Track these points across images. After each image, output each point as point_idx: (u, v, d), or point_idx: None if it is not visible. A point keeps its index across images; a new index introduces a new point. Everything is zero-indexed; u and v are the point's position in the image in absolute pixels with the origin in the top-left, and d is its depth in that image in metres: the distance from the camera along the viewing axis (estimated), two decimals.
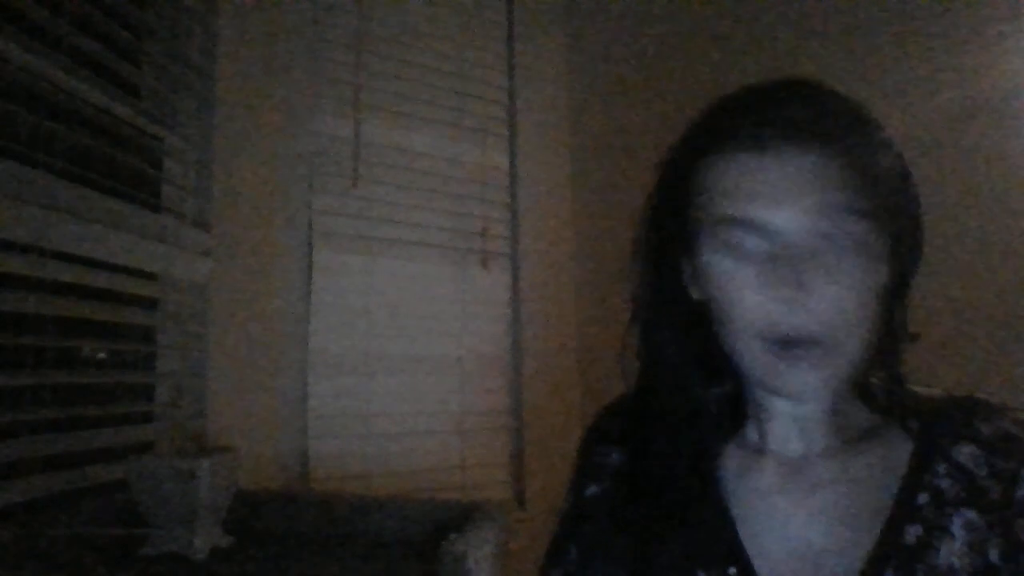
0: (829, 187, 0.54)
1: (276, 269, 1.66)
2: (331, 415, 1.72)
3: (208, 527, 1.06)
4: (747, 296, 0.56)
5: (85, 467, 1.17)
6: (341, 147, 1.81)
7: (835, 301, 0.54)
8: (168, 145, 1.44)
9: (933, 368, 0.64)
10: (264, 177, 1.64)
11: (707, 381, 0.66)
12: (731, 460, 0.64)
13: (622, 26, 2.28)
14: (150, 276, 1.37)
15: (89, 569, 0.99)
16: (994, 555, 0.52)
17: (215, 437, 1.42)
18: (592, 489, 0.69)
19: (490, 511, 1.15)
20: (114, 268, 1.24)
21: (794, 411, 0.61)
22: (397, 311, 1.86)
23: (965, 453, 0.56)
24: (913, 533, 0.54)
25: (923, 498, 0.55)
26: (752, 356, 0.57)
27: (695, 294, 0.63)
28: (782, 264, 0.54)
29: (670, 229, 0.63)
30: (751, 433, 0.65)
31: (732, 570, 0.58)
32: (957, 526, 0.53)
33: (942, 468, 0.56)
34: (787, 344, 0.55)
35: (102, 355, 1.36)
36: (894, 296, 0.61)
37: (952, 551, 0.53)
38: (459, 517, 1.13)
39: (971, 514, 0.53)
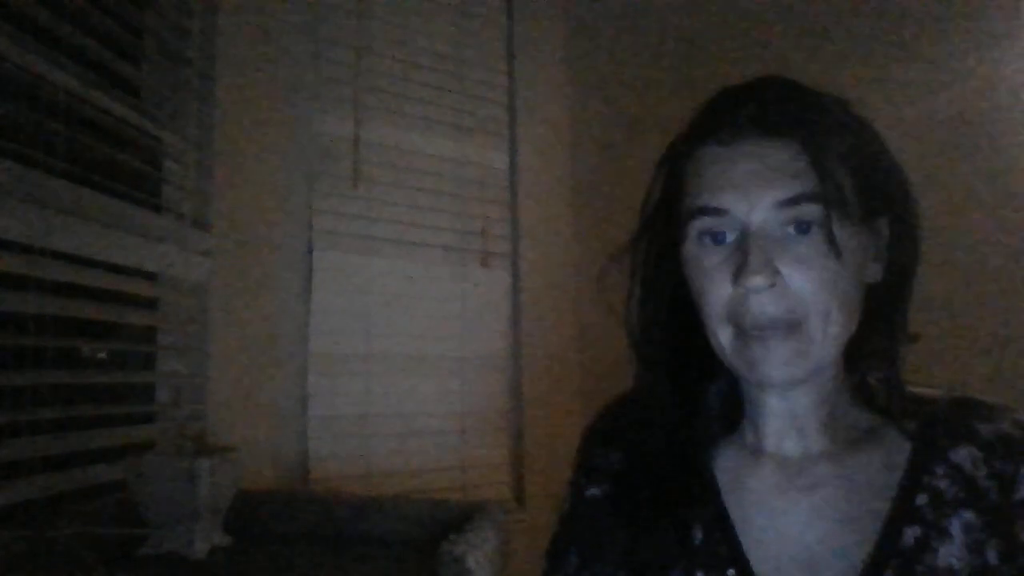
0: (791, 175, 0.55)
1: (276, 269, 1.66)
2: (331, 415, 1.72)
3: (208, 527, 1.06)
4: (716, 284, 0.57)
5: (85, 467, 1.17)
6: (341, 147, 1.81)
7: (803, 287, 0.55)
8: (168, 145, 1.44)
9: (932, 368, 0.64)
10: (264, 177, 1.64)
11: (703, 380, 0.66)
12: (729, 460, 0.64)
13: (622, 26, 2.28)
14: (150, 276, 1.37)
15: (89, 569, 0.99)
16: (992, 556, 0.52)
17: (215, 437, 1.42)
18: (591, 491, 0.69)
19: (490, 511, 1.15)
20: (114, 268, 1.24)
21: (787, 408, 0.61)
22: (397, 311, 1.86)
23: (963, 454, 0.56)
24: (912, 534, 0.54)
25: (922, 499, 0.55)
26: (723, 344, 0.58)
27: (689, 290, 0.63)
28: (749, 251, 0.55)
29: (663, 227, 0.64)
30: (748, 433, 0.65)
31: (731, 572, 0.58)
32: (956, 527, 0.53)
33: (941, 469, 0.56)
34: (754, 330, 0.56)
35: (102, 355, 1.36)
36: (893, 296, 0.61)
37: (951, 552, 0.53)
38: (459, 517, 1.13)
39: (969, 515, 0.53)
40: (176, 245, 1.38)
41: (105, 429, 1.22)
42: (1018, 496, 0.53)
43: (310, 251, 1.73)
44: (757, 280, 0.54)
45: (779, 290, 0.55)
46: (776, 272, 0.55)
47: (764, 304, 0.55)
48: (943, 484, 0.55)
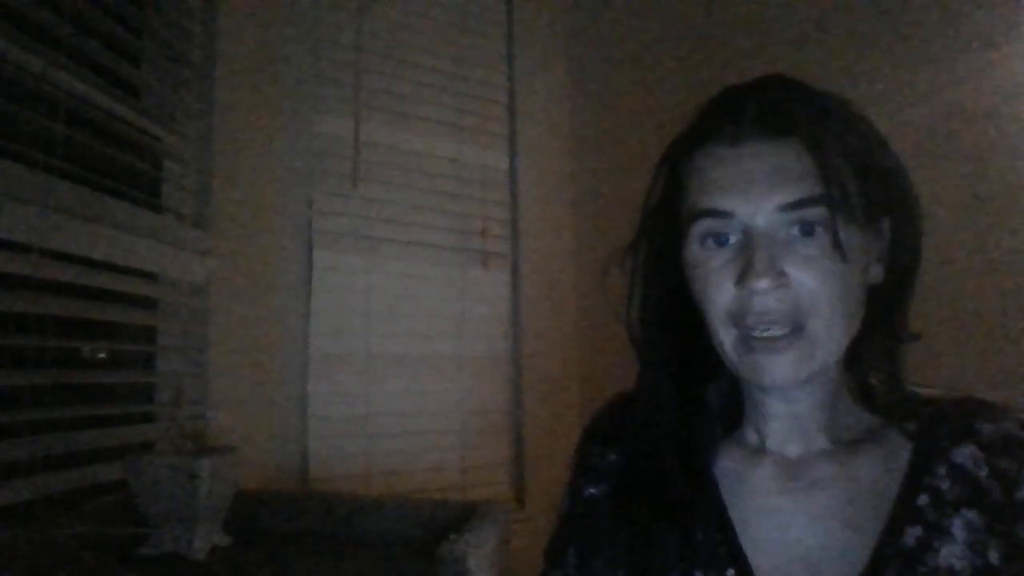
0: (795, 177, 0.55)
1: (276, 269, 1.66)
2: (331, 415, 1.72)
3: (208, 527, 1.06)
4: (719, 285, 0.57)
5: (85, 467, 1.17)
6: (341, 147, 1.81)
7: (807, 289, 0.55)
8: (168, 145, 1.44)
9: (932, 368, 0.64)
10: (264, 177, 1.64)
11: (703, 380, 0.66)
12: (730, 460, 0.64)
13: (622, 26, 2.28)
14: (150, 276, 1.37)
15: (89, 569, 0.99)
16: (994, 556, 0.52)
17: (215, 437, 1.42)
18: (589, 490, 0.69)
19: (490, 511, 1.15)
20: (114, 268, 1.24)
21: (788, 409, 0.61)
22: (397, 311, 1.86)
23: (965, 454, 0.56)
24: (913, 534, 0.54)
25: (923, 499, 0.55)
26: (727, 346, 0.58)
27: (690, 291, 0.63)
28: (753, 254, 0.55)
29: (663, 228, 0.64)
30: (749, 433, 0.65)
31: (730, 572, 0.58)
32: (957, 527, 0.53)
33: (942, 469, 0.56)
34: (758, 332, 0.56)
35: (102, 355, 1.36)
36: (894, 297, 0.61)
37: (952, 552, 0.52)
38: (459, 517, 1.13)
39: (971, 515, 0.53)
40: (176, 245, 1.38)
41: (105, 429, 1.22)
42: (1020, 496, 0.53)
43: (310, 251, 1.73)
44: (762, 283, 0.54)
45: (783, 291, 0.55)
46: (781, 274, 0.54)
47: (768, 304, 0.55)
48: (944, 484, 0.55)
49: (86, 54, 1.19)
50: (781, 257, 0.55)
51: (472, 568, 0.95)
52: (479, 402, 1.98)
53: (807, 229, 0.55)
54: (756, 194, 0.55)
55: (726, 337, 0.58)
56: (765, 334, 0.56)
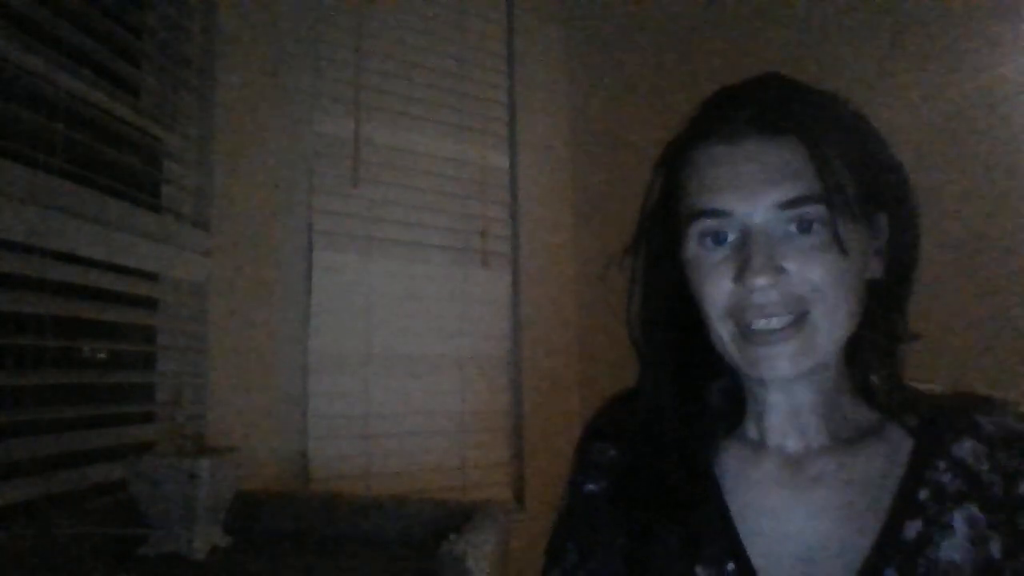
0: (792, 175, 0.55)
1: (276, 269, 1.66)
2: (331, 415, 1.72)
3: (208, 527, 1.06)
4: (718, 282, 0.58)
5: (85, 467, 1.17)
6: (341, 147, 1.81)
7: (807, 281, 0.55)
8: (168, 145, 1.44)
9: (932, 368, 0.64)
10: (264, 177, 1.64)
11: (705, 378, 0.66)
12: (731, 456, 0.64)
13: (622, 26, 2.28)
14: (150, 276, 1.37)
15: (89, 569, 0.99)
16: (995, 550, 0.52)
17: (215, 437, 1.42)
18: (590, 487, 0.69)
19: (490, 511, 1.15)
20: (114, 268, 1.24)
21: (789, 403, 0.61)
22: (397, 311, 1.86)
23: (966, 448, 0.56)
24: (914, 528, 0.54)
25: (924, 493, 0.55)
26: (726, 342, 0.59)
27: (690, 290, 0.64)
28: (751, 251, 0.55)
29: (662, 227, 0.64)
30: (750, 429, 0.65)
31: (730, 566, 0.58)
32: (958, 521, 0.53)
33: (943, 463, 0.56)
34: (757, 327, 0.56)
35: (102, 355, 1.36)
36: (893, 293, 0.61)
37: (953, 546, 0.53)
38: (459, 517, 1.13)
39: (972, 509, 0.53)
40: (176, 245, 1.38)
41: (105, 429, 1.22)
42: (1021, 490, 0.53)
43: (310, 251, 1.73)
44: (760, 280, 0.54)
45: (783, 286, 0.55)
46: (779, 271, 0.55)
47: (768, 296, 0.55)
48: (945, 478, 0.55)
49: (86, 54, 1.19)
50: (779, 253, 0.55)
51: (472, 568, 0.95)
52: (479, 402, 1.98)
53: (804, 226, 0.55)
54: (753, 192, 0.55)
55: (725, 332, 0.58)
56: (765, 327, 0.56)
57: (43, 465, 1.09)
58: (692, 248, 0.59)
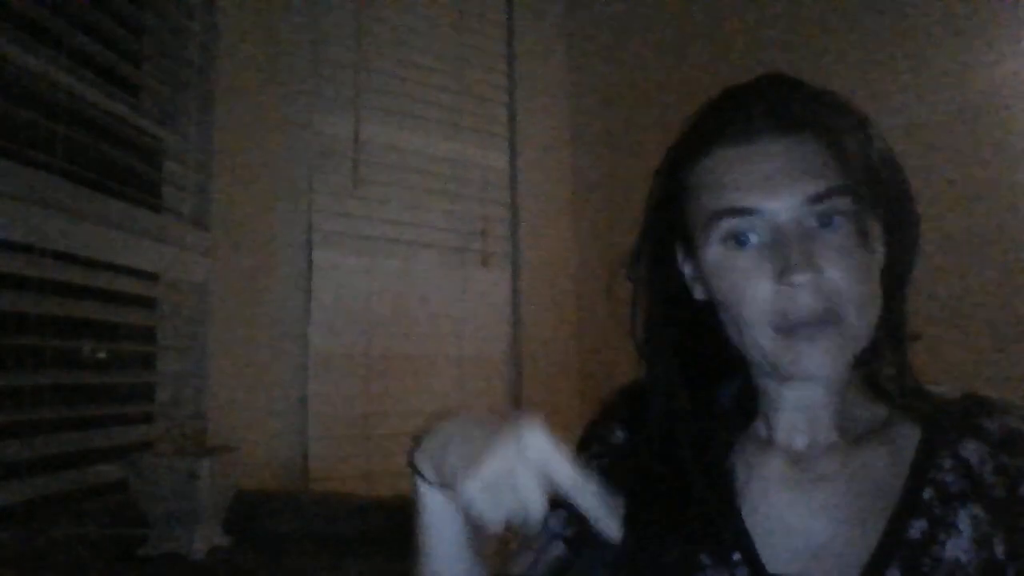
0: (821, 170, 0.55)
1: (276, 269, 1.66)
2: (331, 415, 1.72)
3: (208, 527, 1.06)
4: (754, 283, 0.57)
5: (85, 467, 1.17)
6: (341, 147, 1.81)
7: (840, 279, 0.55)
8: (168, 145, 1.44)
9: (932, 368, 0.64)
10: (264, 177, 1.64)
11: (715, 380, 0.66)
12: (741, 452, 0.64)
13: (622, 26, 2.28)
14: (150, 276, 1.37)
15: (89, 569, 0.99)
16: (999, 550, 0.52)
17: (215, 437, 1.42)
18: (590, 458, 0.69)
19: None
20: (114, 268, 1.24)
21: (802, 400, 0.61)
22: (397, 311, 1.86)
23: (970, 449, 0.56)
24: (918, 527, 0.54)
25: (928, 493, 0.55)
26: (764, 342, 0.58)
27: (698, 294, 0.64)
28: (785, 248, 0.55)
29: (668, 233, 0.64)
30: (760, 426, 0.65)
31: (736, 555, 0.58)
32: (963, 521, 0.53)
33: (947, 463, 0.56)
34: (799, 326, 0.55)
35: (102, 355, 1.36)
36: (893, 294, 0.61)
37: (958, 545, 0.53)
38: None
39: (976, 509, 0.54)
40: (176, 245, 1.38)
41: (105, 429, 1.22)
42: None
43: (310, 251, 1.73)
44: (804, 276, 0.54)
45: (820, 284, 0.55)
46: (817, 266, 0.54)
47: (807, 297, 0.55)
48: (950, 478, 0.55)
49: (86, 54, 1.19)
50: (811, 250, 0.55)
51: None
52: (479, 402, 1.98)
53: (825, 220, 0.55)
54: (780, 189, 0.55)
55: (761, 333, 0.57)
56: (807, 327, 0.55)
57: (43, 465, 1.09)
58: (715, 250, 0.58)
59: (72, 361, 1.27)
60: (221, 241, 1.51)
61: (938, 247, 1.54)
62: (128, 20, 1.32)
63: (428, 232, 1.95)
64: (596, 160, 2.25)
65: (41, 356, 1.11)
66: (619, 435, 0.69)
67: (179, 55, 1.47)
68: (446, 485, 0.52)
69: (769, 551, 0.58)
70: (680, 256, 0.64)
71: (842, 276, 0.55)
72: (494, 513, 0.49)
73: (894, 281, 0.61)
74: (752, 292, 0.57)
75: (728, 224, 0.57)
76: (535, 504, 0.48)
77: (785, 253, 0.55)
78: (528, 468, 0.48)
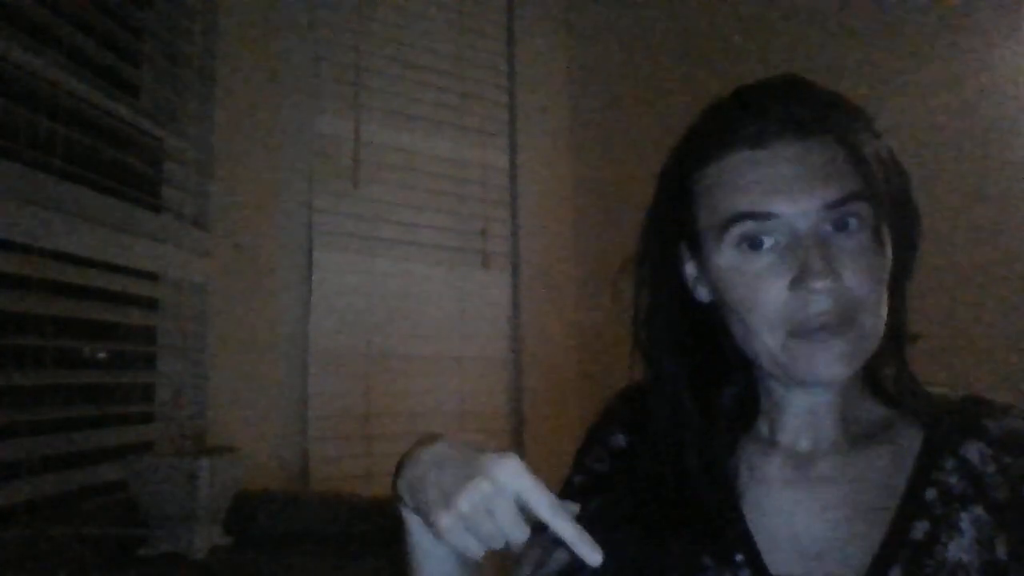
0: (835, 174, 0.55)
1: (276, 269, 1.66)
2: (331, 415, 1.72)
3: (208, 527, 1.06)
4: (767, 288, 0.57)
5: (85, 467, 1.17)
6: (341, 147, 1.81)
7: (856, 285, 0.55)
8: (168, 145, 1.44)
9: (933, 369, 0.64)
10: (264, 177, 1.64)
11: (717, 381, 0.66)
12: (743, 453, 0.64)
13: (622, 26, 2.28)
14: (150, 276, 1.37)
15: (89, 569, 0.99)
16: (1002, 552, 0.52)
17: (215, 437, 1.42)
18: (596, 466, 0.69)
19: None
20: (114, 268, 1.24)
21: (808, 403, 0.61)
22: (397, 311, 1.86)
23: (973, 450, 0.56)
24: (921, 529, 0.54)
25: (931, 494, 0.56)
26: (776, 347, 0.57)
27: (703, 296, 0.63)
28: (801, 252, 0.55)
29: (673, 236, 0.64)
30: (762, 427, 0.65)
31: (739, 557, 0.58)
32: (965, 522, 0.54)
33: (950, 465, 0.56)
34: (814, 331, 0.55)
35: (102, 355, 1.36)
36: (896, 289, 0.61)
37: (961, 546, 0.53)
38: None
39: (979, 510, 0.54)
40: (176, 245, 1.38)
41: (105, 429, 1.22)
42: None
43: (310, 251, 1.73)
44: (823, 283, 0.53)
45: (835, 289, 0.54)
46: (836, 272, 0.54)
47: (823, 303, 0.55)
48: (952, 479, 0.55)
49: (86, 54, 1.19)
50: (827, 254, 0.54)
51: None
52: (479, 402, 1.98)
53: (840, 224, 0.55)
54: (798, 194, 0.55)
55: (773, 338, 0.57)
56: (822, 333, 0.55)
57: (43, 465, 1.09)
58: (729, 254, 0.58)
59: (72, 361, 1.27)
60: (221, 241, 1.51)
61: (938, 247, 1.54)
62: (128, 20, 1.32)
63: (428, 232, 1.95)
64: (596, 160, 2.25)
65: (41, 356, 1.11)
66: (620, 439, 0.69)
67: (179, 55, 1.47)
68: (424, 517, 0.53)
69: (772, 552, 0.58)
70: (685, 258, 0.64)
71: (859, 281, 0.54)
72: (472, 545, 0.50)
73: (896, 282, 0.61)
74: (765, 296, 0.57)
75: (744, 228, 0.57)
76: (516, 534, 0.49)
77: (803, 258, 0.54)
78: (504, 499, 0.48)
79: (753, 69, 0.61)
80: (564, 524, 0.49)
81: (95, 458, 1.19)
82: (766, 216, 0.56)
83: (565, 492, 0.69)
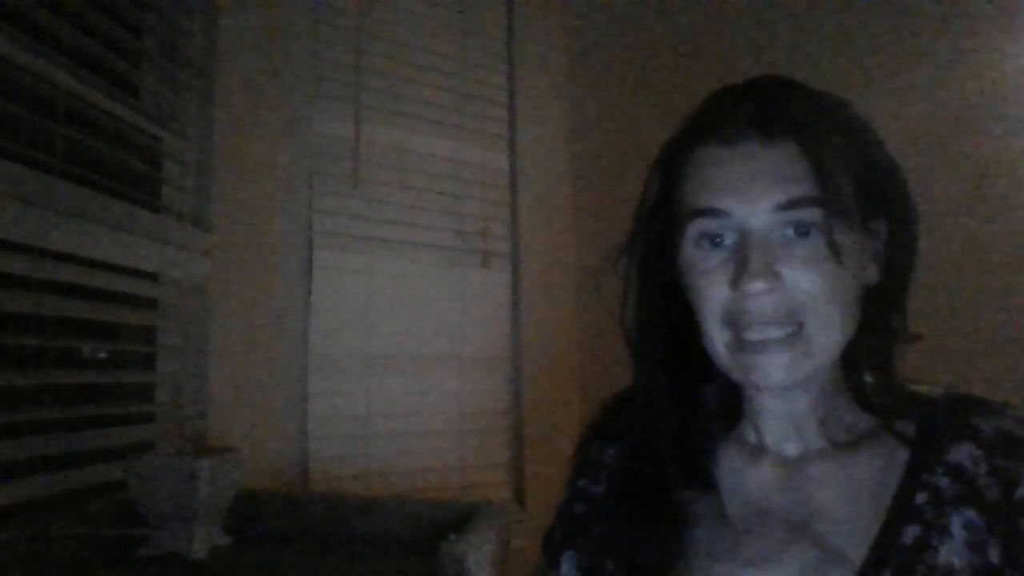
0: (791, 177, 0.55)
1: (276, 269, 1.66)
2: (331, 415, 1.72)
3: (208, 527, 1.06)
4: (714, 287, 0.57)
5: (85, 467, 1.17)
6: (341, 147, 1.81)
7: (803, 290, 0.54)
8: (168, 145, 1.44)
9: (933, 368, 0.64)
10: (264, 177, 1.64)
11: (700, 379, 0.66)
12: (729, 458, 0.64)
13: (622, 26, 2.28)
14: (150, 276, 1.37)
15: (89, 569, 0.99)
16: (994, 555, 0.52)
17: (215, 437, 1.42)
18: (588, 487, 0.69)
19: (490, 511, 1.15)
20: (114, 268, 1.24)
21: (785, 408, 0.61)
22: (397, 311, 1.86)
23: (964, 452, 0.55)
24: (912, 533, 0.54)
25: (921, 498, 0.55)
26: (720, 347, 0.58)
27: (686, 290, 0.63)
28: (749, 254, 0.55)
29: (657, 228, 0.64)
30: (748, 432, 0.65)
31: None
32: (956, 526, 0.53)
33: (941, 467, 0.56)
34: (753, 333, 0.55)
35: (102, 355, 1.36)
36: (890, 297, 0.60)
37: (952, 551, 0.52)
38: (459, 517, 1.13)
39: (971, 514, 0.53)
40: (176, 245, 1.38)
41: (105, 429, 1.22)
42: (1020, 494, 0.53)
43: (310, 251, 1.73)
44: (757, 284, 0.54)
45: (779, 293, 0.55)
46: (776, 276, 0.54)
47: (764, 306, 0.55)
48: (943, 482, 0.55)
49: (86, 54, 1.19)
50: (776, 258, 0.55)
51: (472, 568, 0.95)
52: (479, 402, 1.98)
53: (802, 231, 0.55)
54: (752, 194, 0.55)
55: (719, 339, 0.58)
56: (760, 337, 0.55)
57: (43, 465, 1.09)
58: (688, 250, 0.59)
59: (72, 361, 1.27)
60: (221, 241, 1.51)
61: (937, 248, 1.54)
62: (128, 20, 1.32)
63: (428, 232, 1.95)
64: (596, 160, 2.25)
65: (41, 356, 1.11)
66: (610, 455, 0.69)
67: (179, 55, 1.47)
68: None
69: (761, 559, 0.58)
70: (669, 252, 0.64)
71: (805, 287, 0.54)
72: None
73: (892, 286, 0.60)
74: (710, 294, 0.57)
75: (701, 224, 0.57)
76: None
77: (745, 259, 0.55)
78: None
79: (752, 69, 0.61)
80: None
81: (95, 458, 1.19)
82: (718, 213, 0.56)
83: (568, 523, 0.69)
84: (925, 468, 0.56)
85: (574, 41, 2.35)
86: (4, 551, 0.98)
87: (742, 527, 0.60)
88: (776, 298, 0.55)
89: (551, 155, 2.24)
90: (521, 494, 2.00)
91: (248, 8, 1.62)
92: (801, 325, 0.55)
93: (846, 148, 0.56)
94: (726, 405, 0.66)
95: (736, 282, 0.55)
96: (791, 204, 0.54)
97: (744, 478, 0.62)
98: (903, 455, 0.58)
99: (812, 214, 0.54)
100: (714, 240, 0.57)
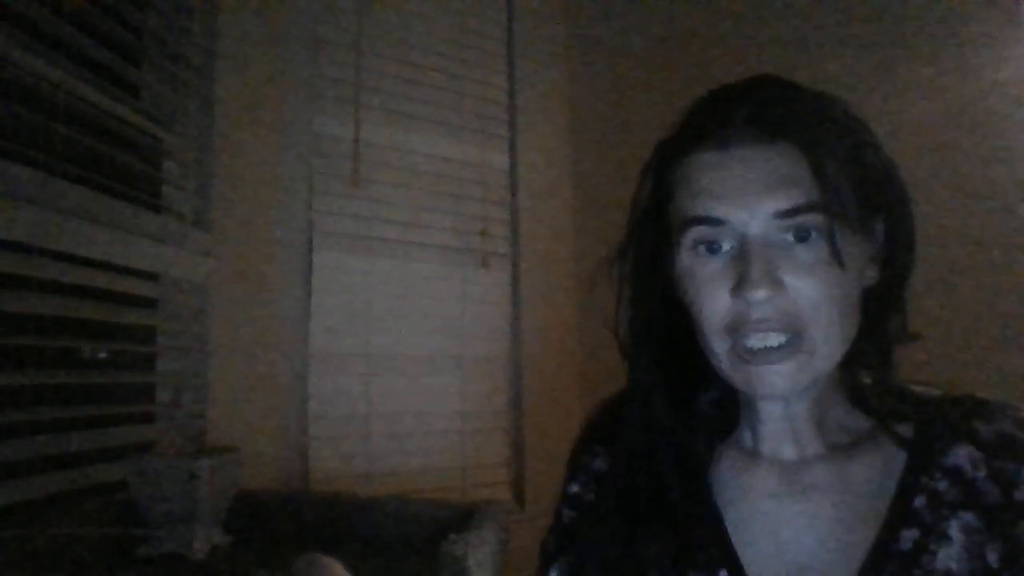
0: (791, 182, 0.53)
1: (276, 269, 1.66)
2: (331, 415, 1.72)
3: (208, 527, 1.06)
4: (714, 295, 0.56)
5: (85, 467, 1.17)
6: (341, 147, 1.81)
7: (805, 297, 0.53)
8: (168, 145, 1.44)
9: (932, 368, 0.64)
10: (264, 177, 1.64)
11: (696, 383, 0.66)
12: (725, 463, 0.63)
13: (622, 26, 2.28)
14: (150, 276, 1.37)
15: (89, 569, 0.99)
16: (993, 558, 0.51)
17: (215, 437, 1.42)
18: (582, 494, 0.68)
19: (490, 511, 1.16)
20: (114, 268, 1.24)
21: (783, 413, 0.60)
22: (397, 311, 1.86)
23: (962, 455, 0.55)
24: (910, 537, 0.53)
25: (920, 501, 0.54)
26: (721, 356, 0.57)
27: (682, 294, 0.62)
28: (750, 262, 0.53)
29: (651, 232, 0.63)
30: (745, 437, 0.64)
31: (723, 573, 0.58)
32: (955, 529, 0.52)
33: (939, 471, 0.55)
34: (754, 341, 0.54)
35: (102, 355, 1.36)
36: (888, 298, 0.60)
37: (950, 555, 0.52)
38: (459, 517, 1.13)
39: (969, 517, 0.52)
40: (176, 245, 1.38)
41: (105, 429, 1.22)
42: (1019, 496, 0.52)
43: (310, 251, 1.73)
44: (759, 293, 0.53)
45: (780, 300, 0.53)
46: (778, 283, 0.53)
47: (765, 313, 0.54)
48: (942, 485, 0.54)
49: (86, 54, 1.19)
50: (777, 265, 0.53)
51: (472, 568, 0.95)
52: (479, 402, 1.98)
53: (802, 235, 0.53)
54: (750, 201, 0.54)
55: (720, 347, 0.56)
56: (762, 344, 0.54)
57: (43, 465, 1.09)
58: (685, 257, 0.58)
59: (72, 361, 1.27)
60: (221, 241, 1.51)
61: (938, 248, 1.54)
62: (128, 20, 1.32)
63: (428, 232, 1.95)
64: (596, 160, 2.25)
65: (41, 356, 1.11)
66: (600, 462, 0.68)
67: (179, 55, 1.47)
68: None
69: (757, 566, 0.57)
70: (664, 258, 0.62)
71: (808, 294, 0.53)
72: None
73: (890, 288, 0.60)
74: (711, 302, 0.56)
75: (697, 231, 0.56)
76: None
77: (745, 267, 0.53)
78: None
79: (752, 68, 0.61)
80: None
81: (95, 458, 1.19)
82: (715, 221, 0.55)
83: (561, 530, 0.68)
84: (923, 471, 0.55)
85: (574, 41, 2.35)
86: (4, 551, 0.98)
87: (737, 533, 0.60)
88: (777, 304, 0.53)
89: (551, 155, 2.24)
90: (521, 494, 2.00)
91: (248, 8, 1.62)
92: (802, 331, 0.54)
93: (845, 149, 0.55)
94: (722, 410, 0.66)
95: (737, 290, 0.54)
96: (792, 211, 0.53)
97: (740, 483, 0.62)
98: (900, 458, 0.57)
99: (813, 220, 0.53)
100: (711, 247, 0.56)
